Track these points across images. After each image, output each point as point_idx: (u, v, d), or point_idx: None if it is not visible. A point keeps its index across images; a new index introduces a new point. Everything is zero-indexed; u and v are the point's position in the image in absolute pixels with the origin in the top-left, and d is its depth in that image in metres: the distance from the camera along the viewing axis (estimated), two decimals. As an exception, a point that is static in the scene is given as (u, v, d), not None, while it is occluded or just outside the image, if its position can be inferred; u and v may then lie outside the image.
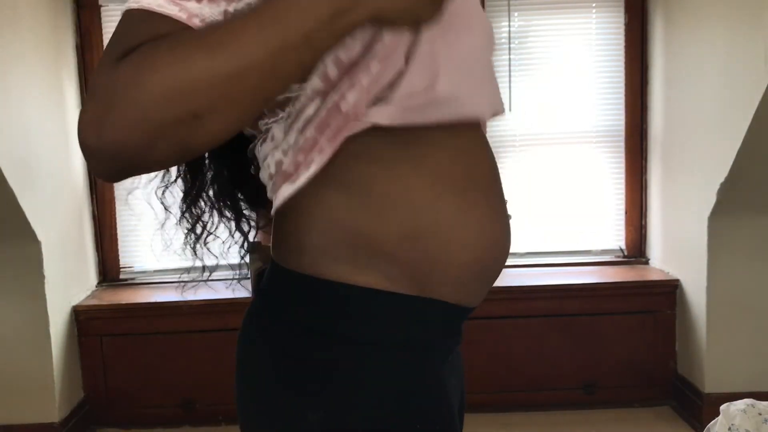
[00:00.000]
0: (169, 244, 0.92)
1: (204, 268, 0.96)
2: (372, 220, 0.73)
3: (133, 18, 0.61)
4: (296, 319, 0.76)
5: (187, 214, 0.93)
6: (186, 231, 0.92)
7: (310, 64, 0.62)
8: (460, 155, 0.77)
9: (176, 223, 0.91)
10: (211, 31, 0.58)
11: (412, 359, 0.76)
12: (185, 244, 0.92)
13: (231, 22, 0.58)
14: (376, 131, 0.71)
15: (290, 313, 0.77)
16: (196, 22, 0.60)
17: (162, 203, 0.92)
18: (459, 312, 0.80)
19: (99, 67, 0.59)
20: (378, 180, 0.73)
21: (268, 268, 0.85)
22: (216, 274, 1.00)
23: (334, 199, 0.74)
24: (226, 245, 0.93)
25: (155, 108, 0.55)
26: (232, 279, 1.04)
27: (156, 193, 0.92)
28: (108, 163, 0.58)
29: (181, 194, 0.93)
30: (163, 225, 0.93)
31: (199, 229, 0.93)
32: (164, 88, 0.55)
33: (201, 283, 1.06)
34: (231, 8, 0.61)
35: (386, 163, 0.73)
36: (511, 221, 0.84)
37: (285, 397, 0.75)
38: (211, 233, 0.93)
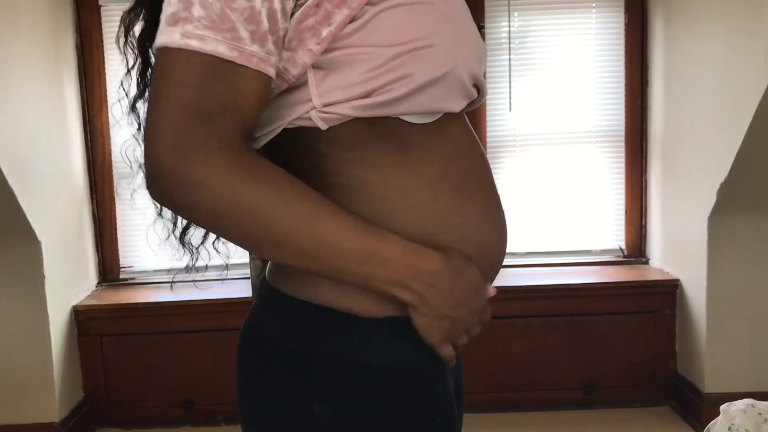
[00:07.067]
0: (165, 238, 0.91)
1: (193, 266, 0.96)
2: (376, 222, 0.73)
3: (201, 64, 0.65)
4: (291, 345, 0.77)
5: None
6: (169, 220, 0.91)
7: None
8: (455, 157, 0.77)
9: (157, 213, 0.91)
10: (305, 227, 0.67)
11: (415, 375, 0.77)
12: (171, 234, 0.91)
13: (325, 234, 0.68)
14: (367, 136, 0.73)
15: (286, 337, 0.77)
16: (254, 61, 0.66)
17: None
18: None
19: (171, 109, 0.64)
20: (376, 185, 0.74)
21: (262, 278, 0.85)
22: (213, 274, 0.99)
23: (334, 203, 0.74)
24: (208, 239, 0.92)
25: (224, 217, 0.66)
26: (222, 279, 1.03)
27: None
28: (161, 195, 0.68)
29: None
30: (159, 213, 0.92)
31: (180, 218, 0.91)
32: (233, 225, 0.67)
33: (198, 282, 1.05)
34: (274, 37, 0.67)
35: (383, 168, 0.74)
36: (506, 215, 0.84)
37: (291, 390, 0.75)
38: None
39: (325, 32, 0.69)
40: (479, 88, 0.80)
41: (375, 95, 0.70)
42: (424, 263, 0.71)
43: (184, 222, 0.91)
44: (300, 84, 0.72)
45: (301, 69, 0.71)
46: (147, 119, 0.67)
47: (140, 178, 0.88)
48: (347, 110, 0.70)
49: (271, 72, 0.68)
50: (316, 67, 0.71)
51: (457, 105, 0.75)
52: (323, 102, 0.71)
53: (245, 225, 0.66)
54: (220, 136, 0.65)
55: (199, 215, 0.67)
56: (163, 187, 0.66)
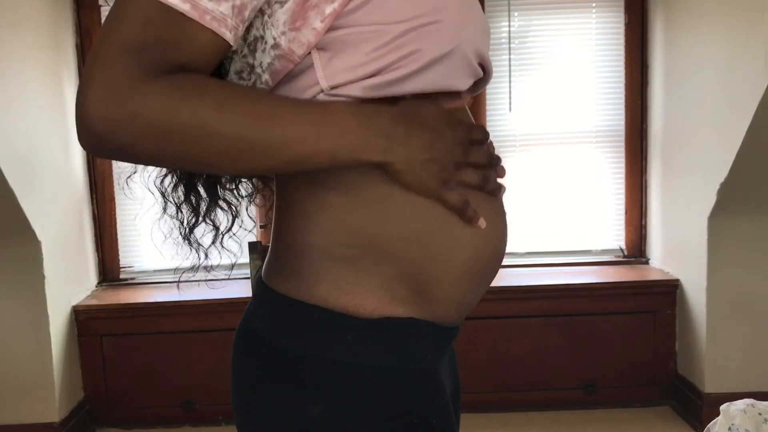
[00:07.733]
0: (169, 235, 0.91)
1: (200, 265, 0.95)
2: (376, 220, 0.73)
3: (149, 7, 0.62)
4: (286, 344, 0.76)
5: (170, 200, 0.91)
6: (175, 218, 0.91)
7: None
8: None
9: (162, 210, 0.90)
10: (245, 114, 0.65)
11: (410, 376, 0.76)
12: (178, 233, 0.91)
13: (260, 106, 0.66)
14: None
15: (281, 337, 0.77)
16: (207, 19, 0.63)
17: (161, 192, 0.90)
18: (449, 331, 0.80)
19: (105, 45, 0.62)
20: (380, 181, 0.73)
21: (258, 277, 0.84)
22: (214, 273, 0.99)
23: (334, 200, 0.74)
24: (218, 239, 0.92)
25: (166, 141, 0.63)
26: (226, 279, 1.03)
27: (155, 182, 0.90)
28: (94, 142, 0.63)
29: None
30: (164, 211, 0.92)
31: (186, 217, 0.91)
32: (180, 136, 0.63)
33: (200, 281, 1.04)
34: (238, 1, 0.65)
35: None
36: (506, 215, 0.83)
37: (286, 390, 0.75)
38: (202, 219, 0.90)
39: (328, 9, 0.68)
40: (484, 68, 0.79)
41: (383, 74, 0.69)
42: (379, 118, 0.69)
43: (192, 221, 0.90)
44: (306, 68, 0.71)
45: (306, 48, 0.70)
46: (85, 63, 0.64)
47: (139, 169, 0.88)
48: (355, 91, 0.70)
49: (227, 35, 0.65)
50: (321, 48, 0.70)
51: (463, 83, 0.75)
52: (330, 84, 0.70)
53: (192, 145, 0.64)
54: (152, 66, 0.62)
55: (142, 150, 0.63)
56: (97, 130, 0.62)
